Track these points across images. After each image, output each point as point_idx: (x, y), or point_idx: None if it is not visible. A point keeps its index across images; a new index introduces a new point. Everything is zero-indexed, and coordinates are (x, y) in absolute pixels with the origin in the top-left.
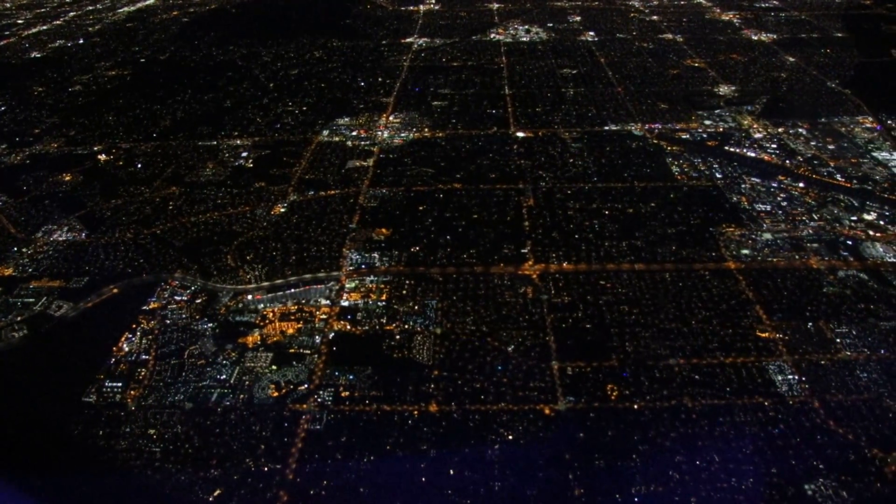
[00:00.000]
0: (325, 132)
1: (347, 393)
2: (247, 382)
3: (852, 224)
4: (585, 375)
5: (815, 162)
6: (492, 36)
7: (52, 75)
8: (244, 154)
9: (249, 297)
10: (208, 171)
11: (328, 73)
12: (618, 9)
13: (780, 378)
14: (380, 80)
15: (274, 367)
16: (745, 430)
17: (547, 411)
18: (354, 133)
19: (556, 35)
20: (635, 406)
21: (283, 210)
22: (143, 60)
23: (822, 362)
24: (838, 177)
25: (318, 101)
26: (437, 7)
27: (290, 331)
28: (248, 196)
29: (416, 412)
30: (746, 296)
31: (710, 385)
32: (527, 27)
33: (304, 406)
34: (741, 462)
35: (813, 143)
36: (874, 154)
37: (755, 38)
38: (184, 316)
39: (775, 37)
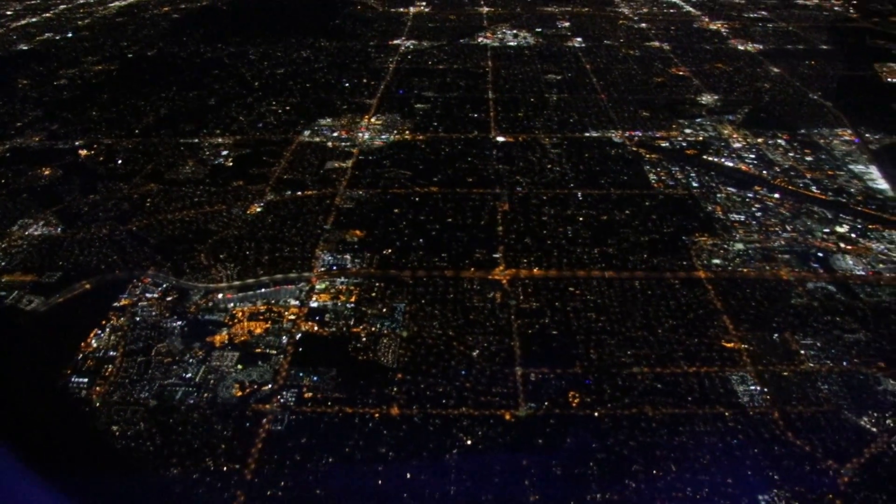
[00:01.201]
0: (307, 132)
1: (311, 394)
2: (212, 381)
3: (824, 236)
4: (548, 382)
5: (792, 173)
6: (479, 40)
7: (38, 68)
8: (224, 152)
9: (220, 295)
10: (188, 169)
11: (314, 74)
12: (607, 16)
13: (742, 388)
14: (365, 81)
15: (239, 367)
16: (704, 439)
17: (507, 417)
18: (336, 134)
19: (543, 40)
20: (596, 414)
21: (259, 210)
22: (130, 56)
23: (785, 373)
24: (814, 188)
25: (301, 101)
26: (427, 9)
27: (258, 331)
28: (226, 195)
29: (377, 415)
30: (714, 305)
31: (673, 394)
32: (515, 32)
33: (267, 406)
34: (697, 472)
35: (791, 155)
36: (851, 167)
37: (741, 48)
38: (154, 313)
39: (761, 47)
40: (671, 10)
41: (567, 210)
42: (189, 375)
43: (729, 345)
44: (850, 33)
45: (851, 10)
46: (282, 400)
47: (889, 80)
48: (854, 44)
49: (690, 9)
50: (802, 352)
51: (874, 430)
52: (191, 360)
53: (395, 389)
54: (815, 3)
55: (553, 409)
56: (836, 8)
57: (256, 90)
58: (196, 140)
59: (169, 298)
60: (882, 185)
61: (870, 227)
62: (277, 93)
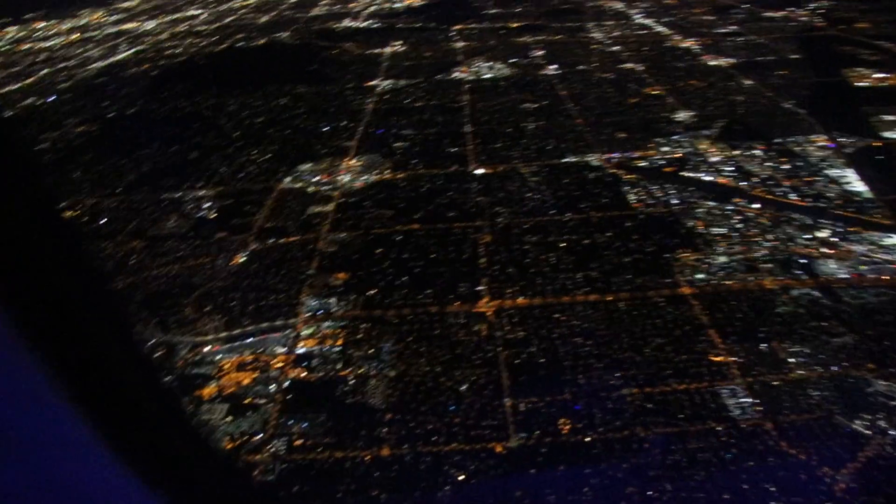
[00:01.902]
0: (288, 179)
1: (301, 441)
2: (202, 435)
3: (806, 242)
4: (538, 411)
5: (770, 182)
6: (455, 75)
7: (21, 134)
8: (207, 205)
9: (207, 348)
10: (171, 224)
11: (293, 120)
12: (580, 41)
13: (732, 402)
14: (343, 124)
15: (229, 419)
16: (698, 456)
17: (499, 449)
18: (316, 178)
19: (518, 70)
20: (587, 439)
21: (243, 259)
22: (111, 116)
23: (775, 383)
24: (793, 196)
25: (281, 148)
26: (402, 48)
27: (247, 381)
28: (210, 247)
29: (368, 457)
30: (700, 320)
31: (663, 413)
32: (490, 64)
33: (258, 456)
34: (693, 490)
35: (768, 164)
36: (827, 172)
37: (713, 63)
38: None
39: (733, 61)
40: (643, 32)
41: (549, 237)
42: (180, 431)
43: (717, 359)
44: (818, 41)
45: (818, 20)
46: (272, 449)
47: (858, 84)
48: (822, 51)
49: (661, 28)
50: (791, 360)
51: (867, 432)
52: (181, 416)
53: (385, 430)
54: (782, 14)
55: (544, 437)
56: (802, 18)
57: (236, 140)
58: (178, 194)
59: (156, 355)
60: (859, 187)
61: (850, 229)
62: (257, 142)
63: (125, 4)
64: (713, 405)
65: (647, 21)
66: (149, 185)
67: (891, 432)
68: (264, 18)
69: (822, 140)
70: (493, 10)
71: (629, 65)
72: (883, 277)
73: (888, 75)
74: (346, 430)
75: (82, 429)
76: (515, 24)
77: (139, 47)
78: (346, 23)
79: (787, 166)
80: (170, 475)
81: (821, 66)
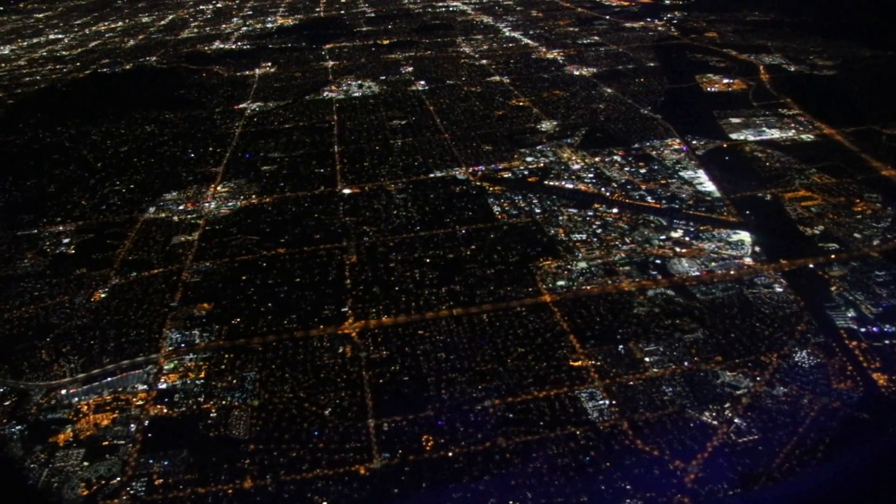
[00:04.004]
0: (152, 209)
1: (161, 480)
2: (55, 484)
3: (661, 243)
4: (402, 429)
5: (629, 186)
6: (325, 94)
7: None
8: (66, 240)
9: (63, 391)
10: (26, 263)
11: (158, 148)
12: (449, 56)
13: (591, 405)
14: (211, 149)
15: (86, 464)
16: (558, 462)
17: (362, 471)
18: (181, 207)
19: (388, 87)
20: (450, 454)
21: (103, 296)
22: None
23: (632, 383)
24: (649, 199)
25: (146, 178)
26: (272, 70)
27: (105, 422)
28: (69, 285)
29: (230, 490)
30: (561, 327)
31: (524, 422)
32: (360, 82)
33: (116, 501)
34: (552, 496)
35: (627, 169)
36: (681, 174)
37: (577, 73)
38: None
39: (595, 70)
40: (510, 45)
41: (414, 253)
42: (31, 482)
43: (576, 364)
44: (673, 50)
45: (673, 30)
46: (131, 491)
47: (709, 89)
48: (677, 59)
49: (528, 41)
50: (647, 359)
51: (715, 423)
52: (32, 466)
53: (247, 461)
54: (641, 25)
55: (408, 456)
56: (659, 28)
57: (99, 171)
58: (35, 230)
59: (7, 403)
60: (709, 187)
61: (701, 228)
62: (121, 172)
63: None
64: (572, 410)
65: (515, 34)
66: (2, 222)
67: (736, 420)
68: (131, 42)
69: (676, 143)
70: (366, 28)
71: (496, 77)
72: (731, 273)
73: (734, 81)
74: (209, 465)
75: None
76: (387, 42)
77: None
78: (217, 45)
79: (644, 170)
80: None
81: (675, 74)
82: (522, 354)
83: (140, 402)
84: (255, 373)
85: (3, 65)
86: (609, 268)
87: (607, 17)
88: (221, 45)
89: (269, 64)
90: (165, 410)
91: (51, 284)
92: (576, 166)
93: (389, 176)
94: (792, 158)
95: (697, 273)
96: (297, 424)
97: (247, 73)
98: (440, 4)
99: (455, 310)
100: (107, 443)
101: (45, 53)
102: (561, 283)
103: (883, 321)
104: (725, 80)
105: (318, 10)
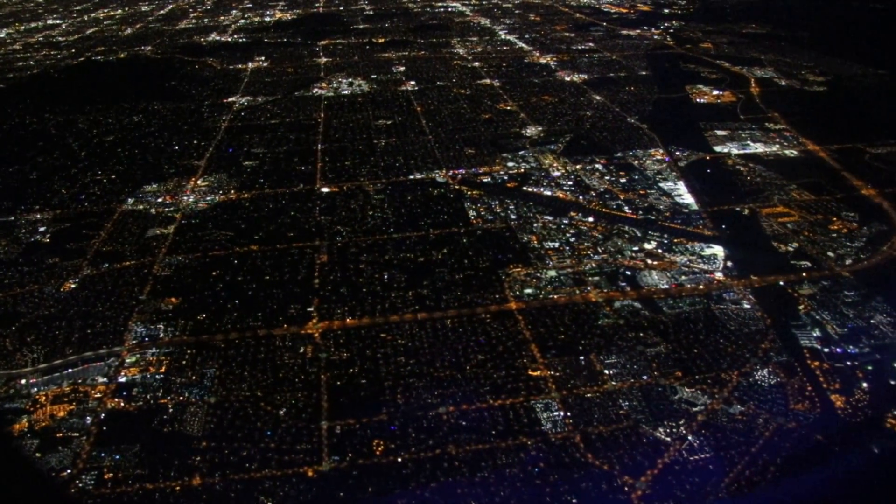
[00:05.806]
0: (130, 200)
1: (111, 475)
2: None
3: (633, 254)
4: (354, 432)
5: (607, 196)
6: (315, 91)
7: None
8: (42, 229)
9: (23, 381)
10: (0, 250)
11: (144, 139)
12: (442, 57)
13: (545, 416)
14: (195, 142)
15: (38, 455)
16: (506, 472)
17: (310, 473)
18: (160, 200)
19: (378, 86)
20: (399, 459)
21: (73, 286)
22: None
23: (588, 395)
24: (626, 209)
25: (128, 168)
26: (265, 64)
27: (61, 413)
28: (40, 274)
29: (178, 487)
30: (524, 335)
31: (477, 430)
32: (350, 80)
33: (63, 493)
34: None
35: (607, 178)
36: (661, 184)
37: (568, 79)
38: None
39: (586, 77)
40: (504, 48)
41: (385, 255)
42: None
43: (535, 373)
44: (666, 59)
45: (668, 39)
46: (80, 485)
47: (698, 100)
48: (669, 69)
49: (523, 45)
50: (606, 371)
51: (668, 439)
52: None
53: (198, 458)
54: (637, 32)
55: (357, 459)
56: (655, 37)
57: (82, 160)
58: (11, 218)
59: None
60: (687, 199)
61: (675, 241)
62: (104, 161)
63: None
64: (526, 420)
65: (511, 37)
66: None
67: (689, 438)
68: (128, 31)
69: (659, 154)
70: (362, 26)
71: (487, 80)
72: (700, 287)
73: (724, 92)
74: (159, 461)
75: None
76: (381, 40)
77: None
78: (213, 37)
79: (624, 180)
80: None
81: (666, 83)
82: (482, 362)
83: (98, 395)
84: (214, 370)
85: None
86: (578, 277)
87: (604, 23)
88: (218, 38)
89: (263, 58)
90: (123, 404)
91: (21, 273)
92: (556, 173)
93: (369, 176)
94: (773, 174)
95: (666, 286)
96: (252, 423)
97: (239, 66)
98: (439, 4)
99: (420, 314)
100: (60, 434)
101: (41, 38)
102: (528, 290)
103: (847, 342)
104: (715, 92)
105: (317, 5)
